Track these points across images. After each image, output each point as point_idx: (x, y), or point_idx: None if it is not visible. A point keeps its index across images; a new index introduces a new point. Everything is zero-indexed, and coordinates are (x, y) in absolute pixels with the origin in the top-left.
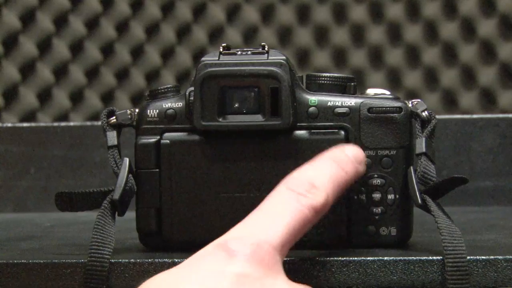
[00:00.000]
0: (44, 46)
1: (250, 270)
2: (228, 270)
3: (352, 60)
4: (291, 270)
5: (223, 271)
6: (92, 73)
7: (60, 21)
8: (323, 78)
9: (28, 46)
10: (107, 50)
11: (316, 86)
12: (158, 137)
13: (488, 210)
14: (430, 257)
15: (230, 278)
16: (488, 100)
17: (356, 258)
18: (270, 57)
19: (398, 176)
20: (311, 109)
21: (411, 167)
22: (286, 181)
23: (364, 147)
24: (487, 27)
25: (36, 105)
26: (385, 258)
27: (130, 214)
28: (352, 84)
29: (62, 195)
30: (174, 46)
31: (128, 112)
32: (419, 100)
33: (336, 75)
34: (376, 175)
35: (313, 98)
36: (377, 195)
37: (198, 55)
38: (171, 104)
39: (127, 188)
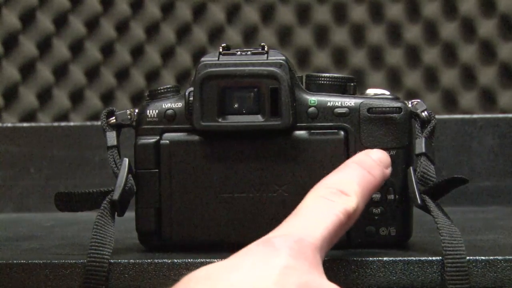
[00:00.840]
0: (44, 46)
1: (295, 263)
2: (275, 262)
3: (352, 60)
4: None
5: (270, 263)
6: (92, 73)
7: (60, 21)
8: (323, 78)
9: (28, 46)
10: (107, 50)
11: (316, 86)
12: (158, 137)
13: (488, 210)
14: (430, 258)
15: (278, 269)
16: (488, 100)
17: (355, 258)
18: (269, 57)
19: (398, 176)
20: (311, 109)
21: (411, 167)
22: (316, 190)
23: (363, 148)
24: (487, 27)
25: (36, 105)
26: (385, 258)
27: (130, 214)
28: (352, 84)
29: (61, 195)
30: (174, 46)
31: (128, 112)
32: (418, 100)
33: (336, 75)
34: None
35: (313, 99)
36: (376, 195)
37: (198, 55)
38: (171, 104)
39: (126, 188)
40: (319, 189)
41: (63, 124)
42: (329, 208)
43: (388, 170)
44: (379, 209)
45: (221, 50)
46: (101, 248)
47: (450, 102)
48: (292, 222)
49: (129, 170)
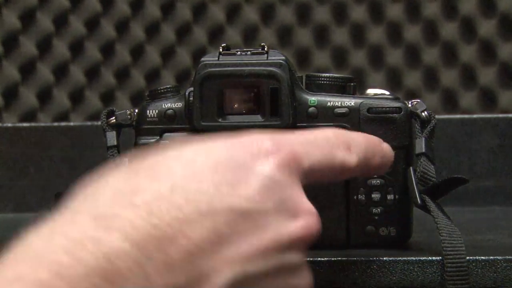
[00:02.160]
0: (44, 46)
1: (280, 176)
2: (260, 170)
3: (352, 60)
4: None
5: (256, 170)
6: (92, 73)
7: (60, 21)
8: (322, 78)
9: (28, 46)
10: (107, 50)
11: (315, 86)
12: (158, 137)
13: (488, 210)
14: (430, 258)
15: (262, 179)
16: (488, 100)
17: (355, 258)
18: (269, 57)
19: (398, 176)
20: (311, 109)
21: (411, 167)
22: (330, 131)
23: None
24: (487, 27)
25: (36, 105)
26: (385, 258)
27: None
28: (352, 84)
29: (61, 195)
30: (174, 46)
31: (128, 112)
32: (418, 100)
33: (335, 75)
34: (375, 175)
35: (313, 99)
36: (376, 195)
37: (198, 55)
38: (171, 104)
39: None
40: (332, 132)
41: (63, 124)
42: (331, 149)
43: (387, 165)
44: (379, 209)
45: (221, 50)
46: None
47: (450, 102)
48: (294, 135)
49: None
